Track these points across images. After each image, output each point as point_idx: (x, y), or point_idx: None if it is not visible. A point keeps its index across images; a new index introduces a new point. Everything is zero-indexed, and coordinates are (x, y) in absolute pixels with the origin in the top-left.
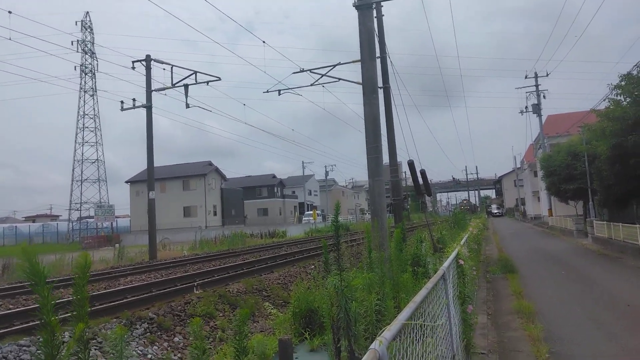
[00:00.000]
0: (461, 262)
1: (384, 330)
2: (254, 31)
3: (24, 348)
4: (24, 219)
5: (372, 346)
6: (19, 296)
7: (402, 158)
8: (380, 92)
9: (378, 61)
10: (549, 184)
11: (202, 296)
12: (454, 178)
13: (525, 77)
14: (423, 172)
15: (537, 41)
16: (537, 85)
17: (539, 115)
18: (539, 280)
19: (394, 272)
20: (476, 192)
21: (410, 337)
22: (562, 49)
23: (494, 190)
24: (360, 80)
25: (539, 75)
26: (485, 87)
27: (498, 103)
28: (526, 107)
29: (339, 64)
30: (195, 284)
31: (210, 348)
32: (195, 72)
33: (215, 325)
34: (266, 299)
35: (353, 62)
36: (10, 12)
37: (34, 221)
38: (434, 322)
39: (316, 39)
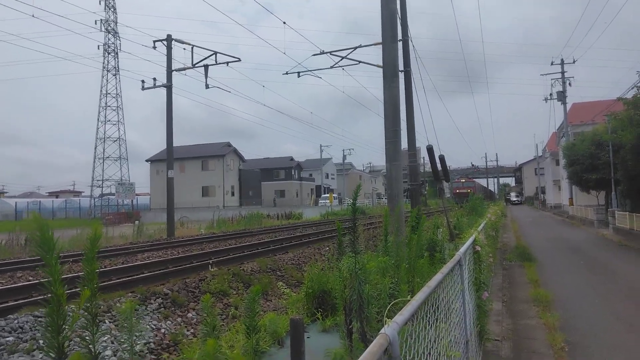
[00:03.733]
0: (478, 248)
1: (395, 314)
2: (274, 14)
3: (40, 319)
4: (47, 194)
5: (382, 330)
6: (39, 269)
7: (421, 143)
8: (401, 76)
9: (400, 44)
10: (571, 173)
11: (217, 274)
12: (473, 165)
13: (551, 64)
14: (442, 158)
15: (566, 27)
16: (562, 72)
17: (564, 103)
18: (556, 269)
19: (410, 256)
20: (495, 179)
21: (423, 321)
22: (591, 35)
23: (513, 178)
24: (381, 64)
25: (565, 62)
26: (510, 73)
27: (522, 90)
28: (551, 95)
29: (360, 46)
30: (211, 261)
31: (223, 325)
32: (216, 53)
33: (229, 302)
34: (280, 279)
35: (374, 44)
36: None
37: (57, 197)
38: (448, 308)
39: (337, 21)
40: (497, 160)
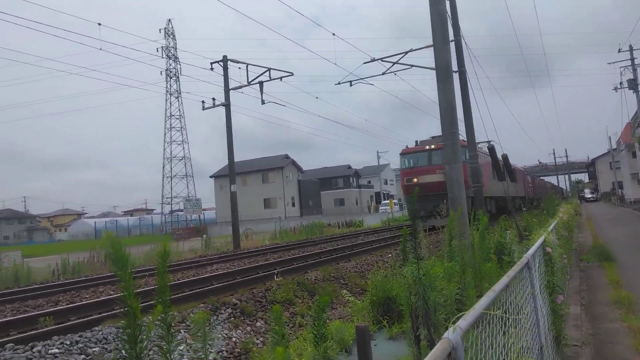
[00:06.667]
0: (549, 249)
1: (459, 319)
2: (322, 25)
3: (121, 330)
4: (123, 213)
5: (445, 335)
6: (117, 284)
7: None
8: (456, 77)
9: (452, 44)
10: None
11: (282, 283)
12: (540, 162)
13: (619, 51)
14: (505, 157)
15: (629, 10)
16: (632, 59)
17: (636, 92)
18: (639, 268)
19: (476, 260)
20: (566, 176)
21: (490, 326)
22: None
23: (586, 173)
24: (434, 66)
25: (634, 48)
26: (574, 63)
27: (588, 81)
28: (621, 84)
29: (411, 50)
30: (276, 271)
31: (290, 333)
32: (269, 69)
33: (295, 311)
34: (343, 287)
35: (425, 47)
36: (100, 24)
37: (131, 215)
38: (517, 313)
39: (385, 27)
40: (566, 156)
